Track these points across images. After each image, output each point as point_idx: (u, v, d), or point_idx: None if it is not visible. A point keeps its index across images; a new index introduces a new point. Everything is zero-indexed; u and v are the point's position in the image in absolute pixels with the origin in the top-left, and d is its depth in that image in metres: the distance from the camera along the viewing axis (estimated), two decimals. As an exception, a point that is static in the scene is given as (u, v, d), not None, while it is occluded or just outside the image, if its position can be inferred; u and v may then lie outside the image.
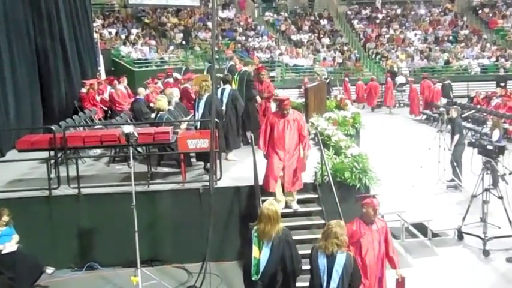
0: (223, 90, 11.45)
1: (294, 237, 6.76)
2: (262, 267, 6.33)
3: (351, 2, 38.74)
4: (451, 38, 35.33)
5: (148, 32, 30.99)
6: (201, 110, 10.71)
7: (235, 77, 12.53)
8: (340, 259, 5.96)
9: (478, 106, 23.12)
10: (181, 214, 9.54)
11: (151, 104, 13.38)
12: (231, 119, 11.32)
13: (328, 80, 24.46)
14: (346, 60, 32.24)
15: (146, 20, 32.16)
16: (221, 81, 11.85)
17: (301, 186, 9.28)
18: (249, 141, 11.47)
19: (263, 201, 8.14)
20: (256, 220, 6.55)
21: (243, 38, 32.81)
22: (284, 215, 8.15)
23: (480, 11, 38.17)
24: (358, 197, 7.66)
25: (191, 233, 9.40)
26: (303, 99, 15.16)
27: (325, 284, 5.94)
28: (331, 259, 5.95)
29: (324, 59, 31.94)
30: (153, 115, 12.47)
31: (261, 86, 12.79)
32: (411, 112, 25.71)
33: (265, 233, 6.34)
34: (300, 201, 9.39)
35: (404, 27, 36.32)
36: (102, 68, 19.76)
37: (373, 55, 33.62)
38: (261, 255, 6.35)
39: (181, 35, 31.20)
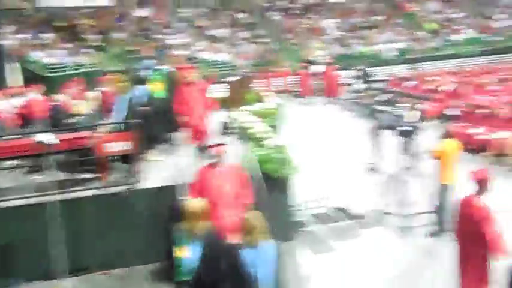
0: (140, 90, 11.34)
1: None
2: (189, 267, 6.30)
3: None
4: (365, 24, 36.26)
5: (62, 35, 30.16)
6: (120, 112, 10.57)
7: (159, 75, 12.39)
8: (267, 249, 6.06)
9: (394, 89, 23.88)
10: (105, 219, 9.36)
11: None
12: (149, 118, 11.20)
13: (247, 74, 24.59)
14: (266, 52, 32.52)
15: (59, 23, 31.25)
16: (137, 82, 11.72)
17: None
18: (171, 140, 11.48)
19: (187, 201, 8.16)
20: (182, 219, 6.55)
21: (161, 36, 32.49)
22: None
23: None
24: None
25: (117, 238, 9.24)
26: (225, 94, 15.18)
27: (258, 277, 5.98)
28: (259, 251, 6.02)
29: (244, 52, 32.08)
30: (72, 120, 12.21)
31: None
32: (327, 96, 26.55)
33: (191, 232, 6.35)
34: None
35: (320, 16, 36.96)
36: (16, 75, 19.12)
37: (292, 46, 34.06)
38: (188, 254, 6.32)
39: (97, 36, 30.56)
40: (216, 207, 7.53)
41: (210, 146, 8.31)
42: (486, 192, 6.83)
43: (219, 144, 8.14)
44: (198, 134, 10.53)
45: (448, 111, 18.87)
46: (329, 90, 26.86)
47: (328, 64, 28.13)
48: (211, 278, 6.33)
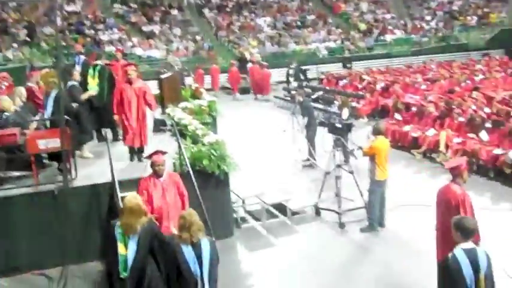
0: (70, 85, 11.08)
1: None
2: (130, 263, 6.20)
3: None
4: (298, 23, 36.68)
5: (-12, 29, 29.08)
6: (49, 108, 10.26)
7: (92, 71, 12.05)
8: (205, 244, 6.00)
9: (327, 87, 24.25)
10: (37, 218, 9.06)
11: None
12: (79, 115, 10.95)
13: (181, 70, 24.37)
14: (200, 50, 32.37)
15: (-16, 17, 30.14)
16: (67, 77, 11.42)
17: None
18: (104, 137, 11.23)
19: (122, 197, 8.03)
20: (118, 216, 6.42)
21: (92, 31, 31.77)
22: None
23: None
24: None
25: (49, 237, 8.96)
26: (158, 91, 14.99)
27: (198, 273, 5.92)
28: (197, 248, 5.95)
29: (177, 49, 31.83)
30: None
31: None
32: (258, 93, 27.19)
33: (129, 227, 6.24)
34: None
35: (254, 14, 37.09)
36: None
37: (226, 43, 34.05)
38: (128, 250, 6.21)
39: (25, 31, 29.56)
40: (160, 218, 7.68)
41: (149, 156, 8.16)
42: (461, 179, 6.97)
43: (157, 153, 8.04)
44: (135, 135, 10.31)
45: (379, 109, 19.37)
46: (260, 88, 27.08)
47: (258, 62, 28.29)
48: (149, 273, 6.25)
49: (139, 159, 10.39)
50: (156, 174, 7.94)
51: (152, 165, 7.96)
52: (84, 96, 11.31)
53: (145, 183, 7.97)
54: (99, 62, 12.35)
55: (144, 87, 10.42)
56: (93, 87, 11.74)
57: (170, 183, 7.96)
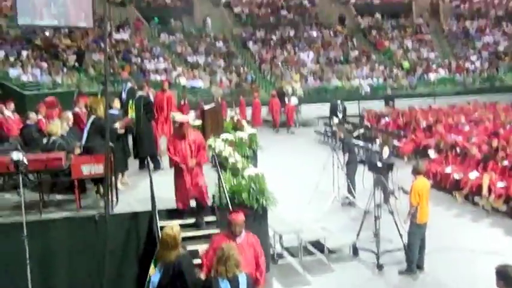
0: (114, 112, 11.39)
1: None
2: (153, 286, 6.38)
3: (245, 24, 39.35)
4: (341, 58, 36.78)
5: (39, 54, 29.92)
6: (85, 133, 10.47)
7: (131, 102, 12.36)
8: (243, 279, 5.97)
9: (369, 124, 24.14)
10: (77, 243, 9.21)
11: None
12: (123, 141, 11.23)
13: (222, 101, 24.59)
14: (242, 82, 32.70)
15: (37, 42, 31.02)
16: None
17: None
18: (146, 165, 11.38)
19: (162, 227, 8.09)
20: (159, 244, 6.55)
21: (139, 59, 32.46)
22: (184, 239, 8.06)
23: (368, 34, 40.03)
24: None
25: (87, 263, 9.08)
26: (200, 121, 15.16)
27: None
28: (234, 282, 5.92)
29: (221, 80, 32.22)
30: (45, 140, 12.00)
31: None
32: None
33: (161, 257, 6.43)
34: (198, 225, 9.36)
35: (297, 49, 37.36)
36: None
37: (268, 76, 34.34)
38: (153, 276, 6.42)
39: (74, 56, 30.40)
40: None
41: (229, 214, 7.51)
42: None
43: (237, 211, 7.33)
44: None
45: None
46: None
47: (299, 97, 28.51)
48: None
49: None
50: (233, 234, 6.94)
51: (229, 224, 7.00)
52: (117, 124, 11.20)
53: (219, 242, 6.82)
54: (140, 92, 12.69)
55: (197, 139, 9.42)
56: (132, 115, 12.04)
57: (247, 245, 6.95)
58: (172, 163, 9.25)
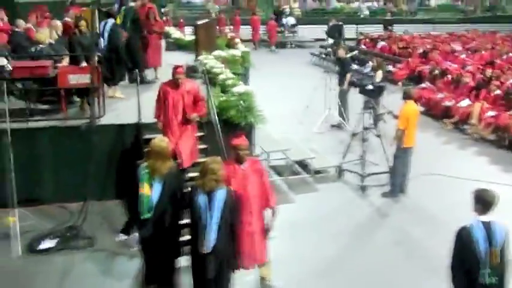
0: (105, 24, 11.09)
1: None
2: (153, 204, 6.19)
3: None
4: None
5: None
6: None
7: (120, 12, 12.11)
8: (220, 195, 5.92)
9: (364, 48, 23.85)
10: (62, 152, 9.20)
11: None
12: (111, 54, 10.99)
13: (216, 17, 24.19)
14: (240, -1, 32.07)
15: None
16: (106, 15, 11.45)
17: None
18: (135, 78, 11.23)
19: (147, 139, 8.08)
20: (145, 157, 6.41)
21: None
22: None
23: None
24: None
25: (72, 172, 9.11)
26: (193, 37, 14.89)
27: (206, 220, 5.90)
28: (211, 196, 5.91)
29: (217, -4, 31.55)
30: (33, 49, 11.78)
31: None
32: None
33: (156, 169, 6.21)
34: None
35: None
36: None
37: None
38: (152, 191, 6.21)
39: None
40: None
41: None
42: None
43: (240, 135, 7.10)
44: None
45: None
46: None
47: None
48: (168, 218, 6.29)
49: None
50: (238, 160, 6.62)
51: (234, 148, 6.62)
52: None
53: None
54: (132, 3, 12.41)
55: (192, 89, 8.68)
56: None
57: (252, 171, 6.62)
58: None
